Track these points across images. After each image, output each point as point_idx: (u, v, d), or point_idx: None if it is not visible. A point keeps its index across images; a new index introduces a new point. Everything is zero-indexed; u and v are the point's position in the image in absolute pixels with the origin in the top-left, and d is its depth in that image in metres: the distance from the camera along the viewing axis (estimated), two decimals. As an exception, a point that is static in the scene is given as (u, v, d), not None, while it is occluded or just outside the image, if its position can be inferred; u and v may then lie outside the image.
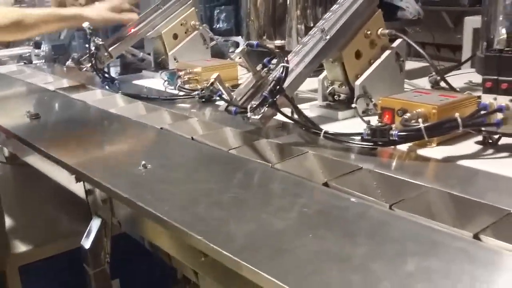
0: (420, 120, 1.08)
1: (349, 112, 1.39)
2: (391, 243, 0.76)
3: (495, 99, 1.05)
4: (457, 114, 1.04)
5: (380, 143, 1.09)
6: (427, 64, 1.53)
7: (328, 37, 1.31)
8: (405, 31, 2.38)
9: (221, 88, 1.21)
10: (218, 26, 2.91)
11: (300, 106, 1.26)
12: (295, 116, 1.23)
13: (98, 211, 1.34)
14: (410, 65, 1.94)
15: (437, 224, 0.80)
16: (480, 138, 1.13)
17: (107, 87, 1.89)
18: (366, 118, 1.21)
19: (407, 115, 1.10)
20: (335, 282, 0.68)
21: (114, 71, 2.49)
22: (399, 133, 1.06)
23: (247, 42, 1.28)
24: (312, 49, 1.30)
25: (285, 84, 1.20)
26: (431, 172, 1.04)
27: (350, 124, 1.32)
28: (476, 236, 0.76)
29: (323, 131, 1.15)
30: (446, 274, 0.68)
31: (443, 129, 1.05)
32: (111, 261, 1.41)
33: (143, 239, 1.26)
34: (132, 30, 2.00)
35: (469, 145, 1.12)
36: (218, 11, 2.93)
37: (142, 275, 2.04)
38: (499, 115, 1.05)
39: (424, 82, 1.58)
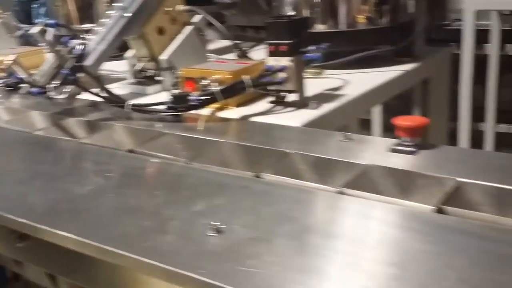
0: (215, 84, 1.17)
1: (158, 87, 1.45)
2: (185, 190, 0.84)
3: (278, 61, 1.19)
4: (246, 76, 1.16)
5: (182, 109, 1.17)
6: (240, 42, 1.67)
7: (127, 14, 1.35)
8: (222, 14, 2.51)
9: (19, 71, 1.19)
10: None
11: (112, 86, 1.29)
12: (104, 94, 1.26)
13: None
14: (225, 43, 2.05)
15: (227, 170, 0.90)
16: (273, 98, 1.27)
17: None
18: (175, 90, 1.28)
19: (204, 81, 1.20)
20: (131, 228, 0.74)
21: None
22: (197, 98, 1.15)
23: (45, 22, 1.27)
24: (113, 27, 1.33)
25: (88, 62, 1.22)
26: (227, 129, 1.15)
27: (159, 98, 1.38)
28: (258, 175, 0.87)
29: (126, 103, 1.19)
30: (229, 207, 0.77)
31: (235, 90, 1.16)
32: None
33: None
34: None
35: (264, 105, 1.25)
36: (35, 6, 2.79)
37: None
38: (282, 74, 1.19)
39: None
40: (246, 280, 0.60)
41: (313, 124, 1.14)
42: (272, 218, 0.74)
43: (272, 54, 1.19)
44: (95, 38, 1.30)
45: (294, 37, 1.18)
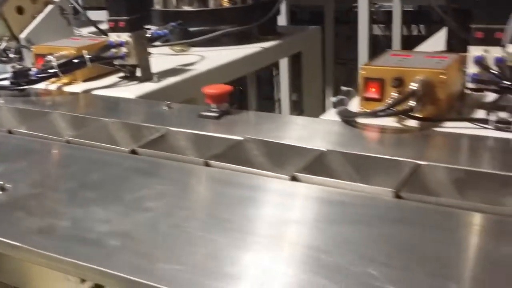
0: (54, 60, 1.22)
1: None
2: (-7, 156, 0.90)
3: (118, 36, 1.25)
4: (85, 52, 1.22)
5: (23, 83, 1.21)
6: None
7: (-20, -7, 1.37)
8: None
9: None
10: None
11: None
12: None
13: None
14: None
15: (44, 136, 0.96)
16: (123, 74, 1.33)
17: None
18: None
19: (49, 57, 1.24)
20: None
21: None
22: (37, 74, 1.20)
23: None
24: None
25: None
26: (61, 102, 1.19)
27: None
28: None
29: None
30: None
31: (74, 65, 1.22)
32: None
33: None
34: None
35: (112, 79, 1.31)
36: None
37: None
38: (123, 49, 1.25)
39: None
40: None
41: (151, 96, 1.21)
42: (61, 177, 0.81)
43: (113, 30, 1.25)
44: None
45: (133, 13, 1.24)
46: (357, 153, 0.80)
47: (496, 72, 0.88)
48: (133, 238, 0.64)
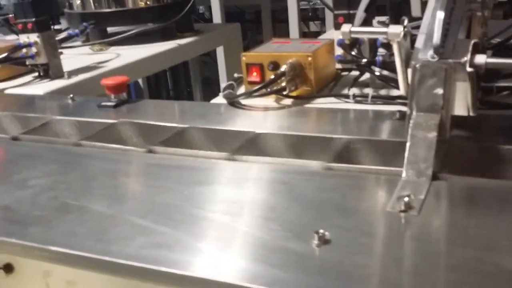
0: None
1: None
2: None
3: (28, 37, 1.32)
4: (-6, 53, 1.28)
5: None
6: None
7: None
8: None
9: None
10: None
11: None
12: None
13: None
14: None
15: None
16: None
17: None
18: None
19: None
20: None
21: None
22: None
23: None
24: None
25: None
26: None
27: None
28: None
29: None
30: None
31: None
32: None
33: None
34: None
35: (26, 79, 1.38)
36: None
37: None
38: (33, 49, 1.32)
39: None
40: None
41: (61, 92, 1.28)
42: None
43: (21, 31, 1.32)
44: None
45: (40, 15, 1.31)
46: (215, 127, 0.91)
47: (354, 53, 0.99)
48: (11, 209, 0.71)
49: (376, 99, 0.95)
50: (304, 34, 2.95)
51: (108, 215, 0.67)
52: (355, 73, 1.08)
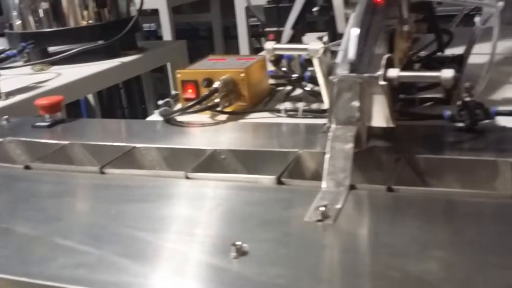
0: None
1: None
2: None
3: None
4: None
5: None
6: None
7: None
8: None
9: None
10: None
11: None
12: None
13: None
14: None
15: None
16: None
17: None
18: None
19: None
20: None
21: None
22: None
23: None
24: None
25: None
26: None
27: None
28: None
29: None
30: None
31: None
32: None
33: None
34: None
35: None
36: None
37: None
38: (-33, 71, 1.30)
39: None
40: None
41: (-2, 113, 1.26)
42: None
43: None
44: None
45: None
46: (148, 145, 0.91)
47: (285, 69, 1.02)
48: None
49: (307, 113, 0.98)
50: (256, 50, 3.00)
51: (32, 236, 0.67)
52: (290, 88, 1.11)
